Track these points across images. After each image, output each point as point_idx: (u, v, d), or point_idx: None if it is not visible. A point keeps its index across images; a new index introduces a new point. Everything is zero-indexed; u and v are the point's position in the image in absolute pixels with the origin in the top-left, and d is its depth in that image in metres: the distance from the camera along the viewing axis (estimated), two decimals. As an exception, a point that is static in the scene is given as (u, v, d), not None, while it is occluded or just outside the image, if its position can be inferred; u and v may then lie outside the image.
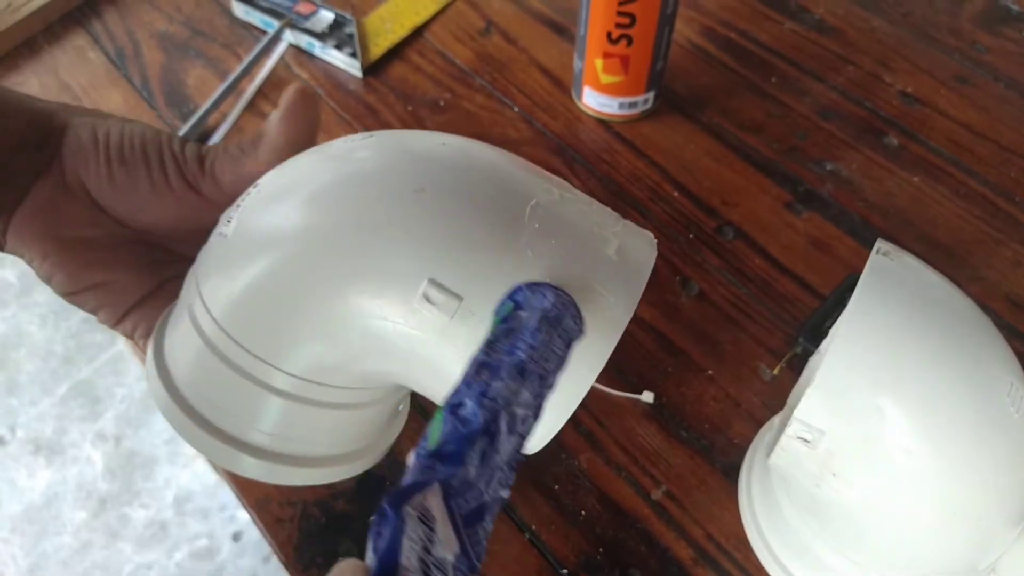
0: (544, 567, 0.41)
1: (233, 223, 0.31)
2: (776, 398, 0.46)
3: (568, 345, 0.27)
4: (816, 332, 0.47)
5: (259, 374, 0.31)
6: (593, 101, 0.59)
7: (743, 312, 0.50)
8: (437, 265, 0.28)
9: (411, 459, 0.22)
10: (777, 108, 0.60)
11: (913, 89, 0.61)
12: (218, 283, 0.31)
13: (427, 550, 0.19)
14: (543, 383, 0.25)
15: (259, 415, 0.32)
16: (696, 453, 0.45)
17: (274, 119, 0.34)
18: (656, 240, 0.33)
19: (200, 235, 0.33)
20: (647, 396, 0.46)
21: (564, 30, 0.66)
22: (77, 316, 1.54)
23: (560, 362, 0.26)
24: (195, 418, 0.32)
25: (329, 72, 0.63)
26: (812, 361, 0.40)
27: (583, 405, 0.46)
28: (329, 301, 0.29)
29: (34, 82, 0.63)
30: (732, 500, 0.43)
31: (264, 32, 0.65)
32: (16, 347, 1.52)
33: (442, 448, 0.22)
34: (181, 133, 0.58)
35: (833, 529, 0.35)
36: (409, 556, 0.19)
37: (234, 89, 0.61)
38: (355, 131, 0.59)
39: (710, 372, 0.48)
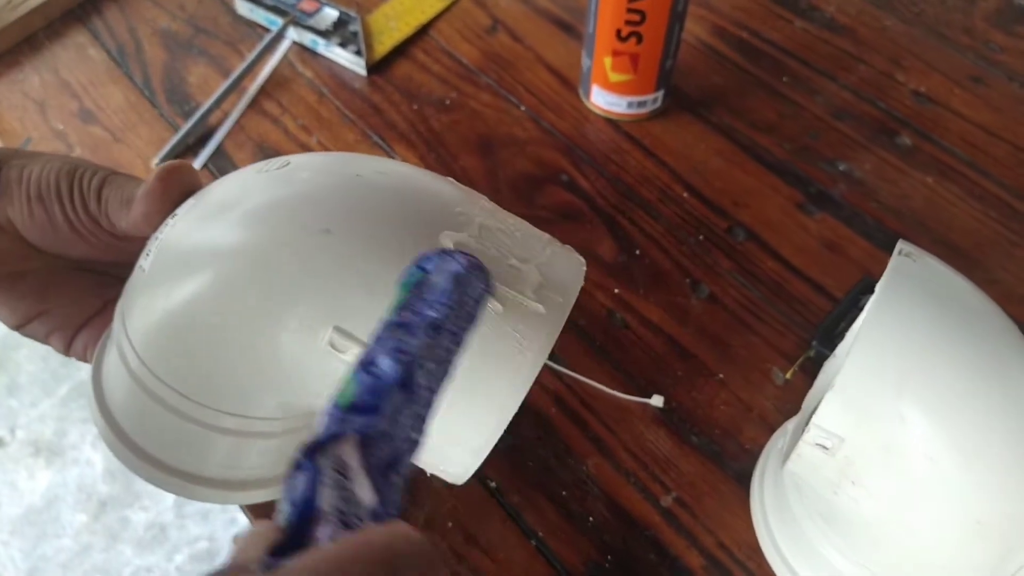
0: (551, 575, 0.40)
1: (150, 257, 0.31)
2: (789, 403, 0.45)
3: (478, 303, 0.27)
4: (830, 335, 0.46)
5: (178, 405, 0.31)
6: (601, 100, 0.58)
7: (754, 315, 0.49)
8: (343, 311, 0.28)
9: (321, 417, 0.22)
10: (789, 108, 0.59)
11: (926, 89, 0.60)
12: (139, 318, 0.31)
13: (343, 499, 0.20)
14: (455, 340, 0.25)
15: (185, 442, 0.32)
16: (707, 459, 0.44)
17: (140, 191, 0.34)
18: (584, 264, 0.33)
19: (133, 262, 0.34)
20: (657, 400, 0.45)
21: (571, 28, 0.65)
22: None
23: (471, 320, 0.26)
24: (135, 451, 0.32)
25: (333, 70, 0.62)
26: (828, 365, 0.39)
27: (591, 410, 0.45)
28: (243, 340, 0.29)
29: (35, 79, 0.62)
30: (744, 507, 0.42)
31: (268, 30, 0.65)
32: (16, 348, 1.51)
33: (357, 401, 0.22)
34: (183, 131, 0.57)
35: (850, 538, 0.34)
36: (326, 503, 0.19)
37: (237, 87, 0.60)
38: (360, 130, 0.58)
39: (721, 376, 0.47)
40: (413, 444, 0.23)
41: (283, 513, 0.19)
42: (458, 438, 0.30)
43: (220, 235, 0.29)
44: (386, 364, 0.23)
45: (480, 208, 0.31)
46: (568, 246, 0.33)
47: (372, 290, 0.28)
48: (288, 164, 0.31)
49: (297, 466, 0.19)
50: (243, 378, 0.30)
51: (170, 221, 0.32)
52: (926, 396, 0.28)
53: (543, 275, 0.30)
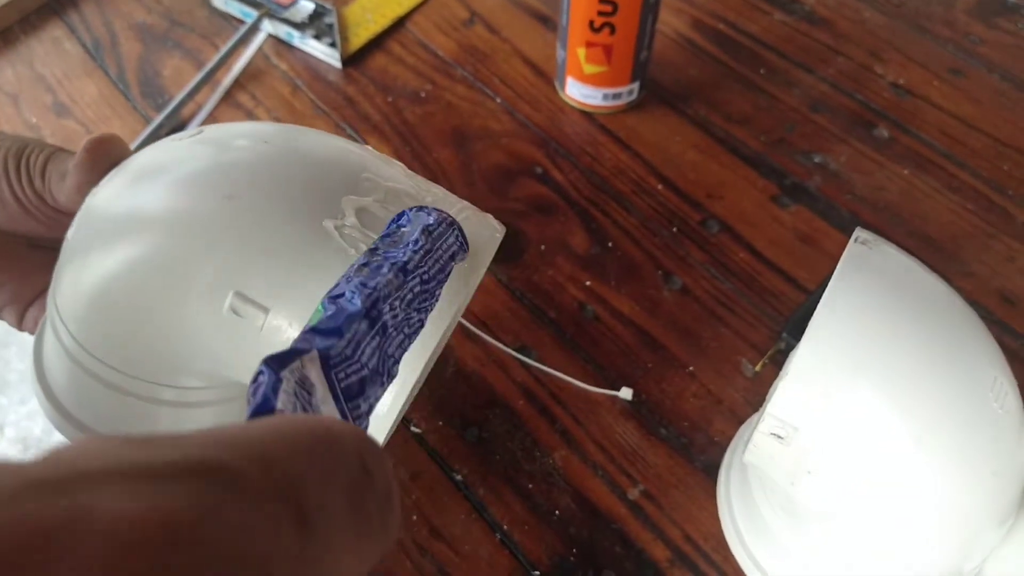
0: (516, 569, 0.40)
1: (73, 227, 0.31)
2: (759, 395, 0.45)
3: (451, 259, 0.27)
4: (800, 327, 0.45)
5: (109, 377, 0.31)
6: (576, 92, 0.58)
7: (726, 307, 0.49)
8: (242, 276, 0.28)
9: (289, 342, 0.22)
10: (765, 100, 0.59)
11: (905, 81, 0.60)
12: (66, 290, 0.31)
13: (304, 409, 0.19)
14: (425, 289, 0.26)
15: (122, 415, 0.31)
16: (675, 451, 0.43)
17: (72, 162, 0.34)
18: (501, 227, 0.32)
19: None
20: (625, 393, 0.45)
21: (548, 20, 0.65)
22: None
23: (442, 275, 0.26)
24: (81, 429, 0.32)
25: (308, 63, 0.62)
26: (793, 355, 0.39)
27: (560, 402, 0.44)
28: (158, 310, 0.29)
29: (8, 72, 0.62)
30: (711, 500, 0.42)
31: (242, 22, 0.64)
32: (6, 345, 1.51)
33: (320, 324, 0.22)
34: (154, 124, 0.57)
35: (810, 529, 0.34)
36: (286, 406, 0.19)
37: (210, 80, 0.60)
38: (332, 123, 0.58)
39: (691, 368, 0.46)
40: (380, 377, 0.23)
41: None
42: None
43: (132, 204, 0.29)
44: (350, 294, 0.23)
45: (393, 175, 0.31)
46: (488, 214, 0.32)
47: (274, 254, 0.28)
48: (200, 132, 0.32)
49: (259, 373, 0.19)
50: (166, 349, 0.29)
51: (89, 196, 0.32)
52: (882, 383, 0.28)
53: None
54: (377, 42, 0.63)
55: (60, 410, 0.32)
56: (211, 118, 0.58)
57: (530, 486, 0.42)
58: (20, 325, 0.38)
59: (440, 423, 0.44)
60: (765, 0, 0.65)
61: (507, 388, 0.46)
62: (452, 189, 0.54)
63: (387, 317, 0.24)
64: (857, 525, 0.31)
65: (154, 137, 0.57)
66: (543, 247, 0.51)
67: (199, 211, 0.28)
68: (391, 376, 0.24)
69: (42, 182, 0.34)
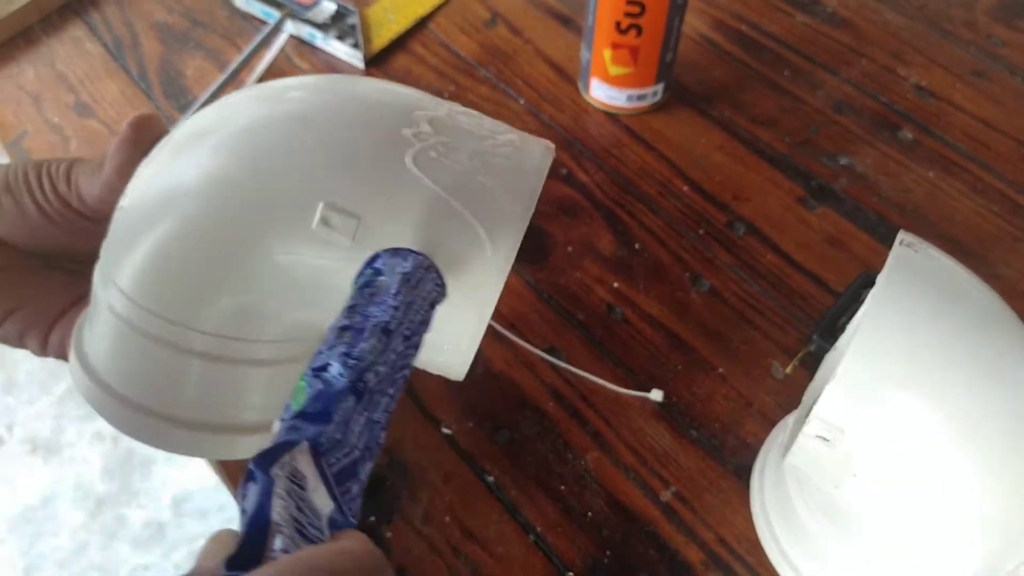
0: (550, 570, 0.40)
1: (128, 195, 0.31)
2: (789, 397, 0.45)
3: (431, 306, 0.27)
4: (831, 330, 0.45)
5: (177, 339, 0.30)
6: (601, 93, 0.58)
7: (755, 309, 0.48)
8: (329, 190, 0.28)
9: (276, 426, 0.22)
10: (789, 102, 0.59)
11: (928, 83, 0.60)
12: (123, 256, 0.30)
13: (299, 508, 0.19)
14: (408, 343, 0.25)
15: (183, 383, 0.31)
16: (707, 454, 0.43)
17: (113, 145, 0.34)
18: (553, 146, 0.33)
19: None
20: (656, 395, 0.45)
21: (571, 21, 0.65)
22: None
23: (424, 323, 0.26)
24: (123, 402, 0.31)
25: (331, 63, 0.62)
26: (828, 358, 0.39)
27: (590, 404, 0.44)
28: (233, 248, 0.29)
29: (30, 73, 0.62)
30: (744, 502, 0.42)
31: (265, 23, 0.64)
32: (15, 345, 1.51)
33: (307, 408, 0.22)
34: (178, 124, 0.57)
35: (851, 532, 0.34)
36: (281, 514, 0.19)
37: (233, 80, 0.60)
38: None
39: (721, 370, 0.46)
40: (369, 452, 0.23)
41: (240, 525, 0.19)
42: (442, 344, 0.30)
43: (198, 156, 0.29)
44: (336, 370, 0.23)
45: (446, 104, 0.32)
46: (536, 137, 0.33)
47: (357, 163, 0.28)
48: (249, 90, 0.32)
49: (249, 476, 0.19)
50: (241, 293, 0.29)
51: (142, 165, 0.31)
52: (929, 386, 0.28)
53: (513, 152, 0.31)
54: (399, 43, 0.63)
55: (104, 387, 0.31)
56: (235, 118, 0.58)
57: (562, 488, 0.42)
58: (45, 350, 0.36)
59: (471, 425, 0.44)
60: (787, 2, 0.65)
61: (537, 390, 0.46)
62: (478, 190, 0.54)
63: (372, 385, 0.23)
64: (900, 527, 0.31)
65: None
66: (570, 248, 0.51)
67: (272, 137, 0.28)
68: (379, 445, 0.23)
69: (67, 186, 0.33)
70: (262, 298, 0.29)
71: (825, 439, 0.30)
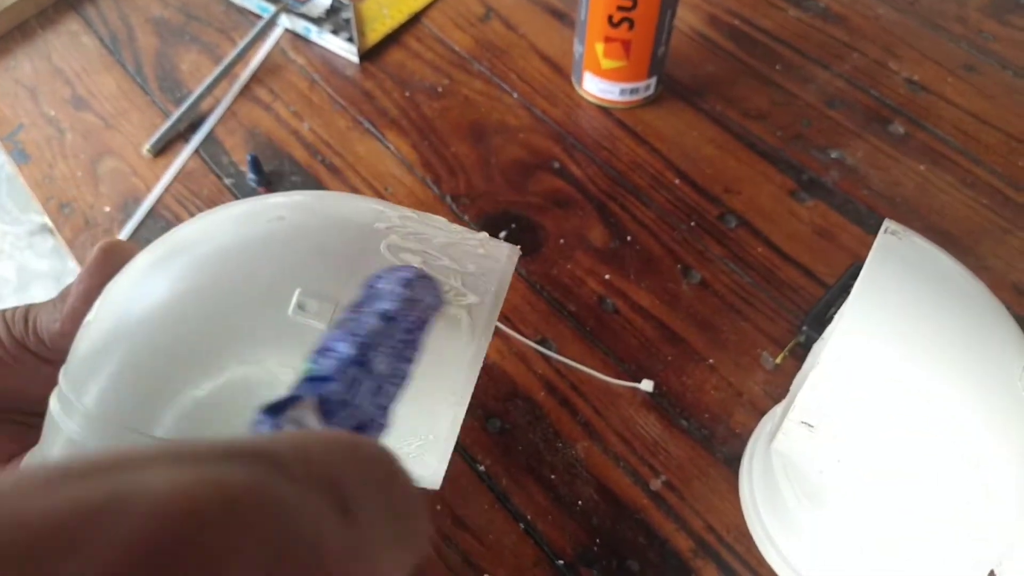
0: (540, 558, 0.40)
1: (95, 311, 0.30)
2: (779, 387, 0.45)
3: (430, 309, 0.27)
4: (820, 320, 0.46)
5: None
6: (594, 87, 0.58)
7: (745, 301, 0.49)
8: (304, 279, 0.28)
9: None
10: (781, 96, 0.59)
11: (919, 77, 0.60)
12: (90, 372, 0.29)
13: None
14: (408, 335, 0.25)
15: None
16: (696, 443, 0.44)
17: (78, 276, 0.33)
18: (518, 251, 0.33)
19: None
20: (646, 385, 0.45)
21: (564, 16, 0.65)
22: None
23: (423, 325, 0.26)
24: None
25: (325, 58, 0.62)
26: (816, 348, 0.39)
27: (581, 394, 0.45)
28: (207, 357, 0.28)
29: (27, 66, 0.62)
30: (733, 491, 0.42)
31: (260, 17, 0.64)
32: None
33: (313, 372, 0.22)
34: (174, 117, 0.57)
35: (837, 519, 0.34)
36: None
37: (228, 74, 0.60)
38: (351, 117, 0.58)
39: (711, 361, 0.46)
40: (373, 425, 0.23)
41: None
42: (416, 441, 0.30)
43: (169, 259, 0.29)
44: (339, 344, 0.23)
45: (410, 212, 0.32)
46: (501, 241, 0.33)
47: (332, 254, 0.28)
48: (217, 211, 0.32)
49: (256, 423, 0.19)
50: (212, 404, 0.29)
51: (116, 278, 0.31)
52: (913, 371, 0.28)
53: (474, 264, 0.31)
54: (394, 37, 0.63)
55: None
56: (230, 112, 0.59)
57: (552, 477, 0.43)
58: None
59: (462, 414, 0.45)
60: (779, -3, 0.66)
61: (528, 380, 0.46)
62: (470, 183, 0.54)
63: (376, 362, 0.23)
64: (885, 513, 0.31)
65: (175, 130, 0.57)
66: (562, 241, 0.52)
67: (250, 234, 0.28)
68: (381, 427, 0.24)
69: (24, 327, 0.33)
70: (232, 398, 0.29)
71: (810, 425, 0.30)
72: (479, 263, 0.31)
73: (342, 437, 0.16)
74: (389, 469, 0.16)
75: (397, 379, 0.25)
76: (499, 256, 0.32)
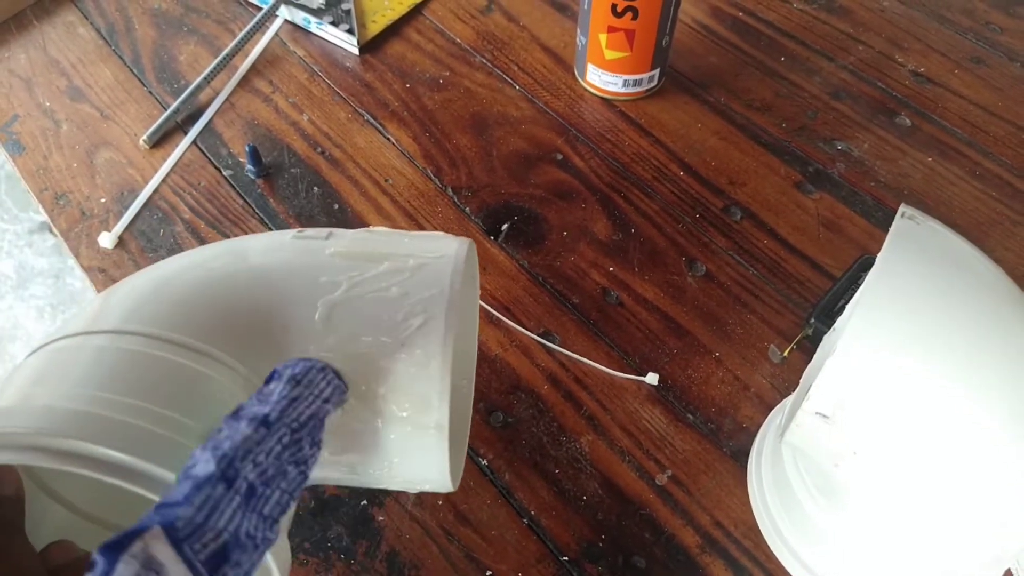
0: (544, 554, 0.40)
1: None
2: (786, 381, 0.45)
3: (325, 402, 0.26)
4: (829, 313, 0.45)
5: None
6: (597, 79, 0.57)
7: (751, 293, 0.48)
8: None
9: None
10: (786, 88, 0.58)
11: (926, 69, 0.59)
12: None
13: None
14: (296, 439, 0.24)
15: None
16: (703, 437, 0.43)
17: None
18: (468, 240, 0.32)
19: None
20: (651, 378, 0.44)
21: (566, 8, 0.64)
22: (74, 309, 1.52)
23: (315, 420, 0.25)
24: None
25: (325, 49, 0.61)
26: (827, 339, 0.38)
27: (585, 388, 0.44)
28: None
29: (22, 57, 0.61)
30: (741, 485, 0.41)
31: (259, 8, 0.64)
32: (12, 340, 1.50)
33: (166, 498, 0.21)
34: (172, 108, 0.56)
35: (851, 513, 0.34)
36: None
37: (227, 65, 0.59)
38: (351, 108, 0.57)
39: (717, 354, 0.46)
40: (251, 540, 0.22)
41: None
42: (422, 477, 0.30)
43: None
44: (203, 458, 0.22)
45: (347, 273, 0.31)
46: (460, 237, 0.33)
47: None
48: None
49: (92, 565, 0.18)
50: None
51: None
52: (931, 359, 0.28)
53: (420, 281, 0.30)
54: (394, 29, 0.63)
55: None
56: (228, 104, 0.58)
57: (556, 471, 0.42)
58: None
59: (465, 408, 0.44)
60: (784, -12, 0.65)
61: (531, 373, 0.45)
62: (472, 175, 0.53)
63: (251, 475, 0.22)
64: (902, 506, 0.30)
65: (172, 122, 0.56)
66: (565, 233, 0.51)
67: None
68: (267, 539, 0.22)
69: None
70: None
71: (824, 416, 0.29)
72: (423, 277, 0.30)
73: None
74: None
75: (287, 485, 0.24)
76: (440, 261, 0.31)
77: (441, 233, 0.34)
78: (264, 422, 0.24)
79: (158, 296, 0.29)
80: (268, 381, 0.26)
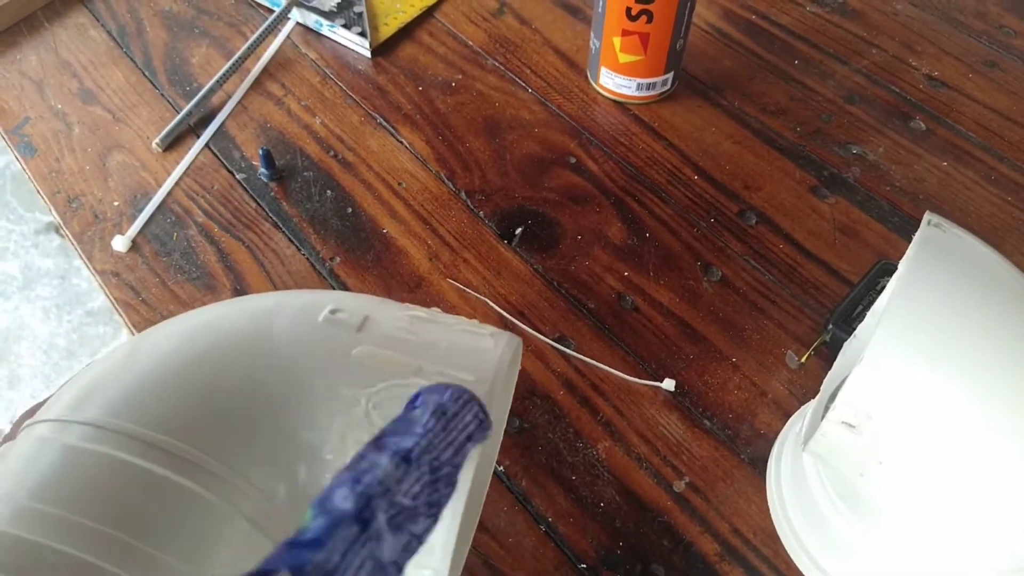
0: (562, 562, 0.39)
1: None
2: (804, 387, 0.44)
3: (468, 439, 0.24)
4: (847, 319, 0.45)
5: None
6: (610, 82, 0.57)
7: (767, 299, 0.48)
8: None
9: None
10: (800, 91, 0.58)
11: (940, 73, 0.59)
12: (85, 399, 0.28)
13: None
14: (436, 475, 0.22)
15: None
16: (720, 443, 0.43)
17: None
18: (517, 338, 0.31)
19: None
20: (668, 384, 0.44)
21: (579, 11, 0.64)
22: (80, 309, 1.52)
23: (459, 455, 0.23)
24: None
25: (337, 52, 0.61)
26: (848, 346, 0.38)
27: (601, 393, 0.44)
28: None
29: (33, 59, 0.61)
30: (759, 493, 0.41)
31: (271, 11, 0.63)
32: (18, 340, 1.50)
33: (300, 535, 0.19)
34: (185, 111, 0.56)
35: (875, 522, 0.33)
36: None
37: (239, 68, 0.59)
38: (364, 112, 0.57)
39: (734, 360, 0.45)
40: None
41: None
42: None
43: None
44: (341, 494, 0.20)
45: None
46: (508, 333, 0.31)
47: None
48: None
49: None
50: None
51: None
52: (959, 369, 0.27)
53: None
54: (406, 32, 0.62)
55: None
56: (240, 107, 0.58)
57: (573, 478, 0.42)
58: None
59: (481, 414, 0.44)
60: (797, -8, 0.65)
61: (547, 379, 0.45)
62: (485, 178, 0.53)
63: (385, 515, 0.21)
64: (928, 516, 0.30)
65: (185, 124, 0.56)
66: (579, 237, 0.51)
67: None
68: None
69: None
70: None
71: (851, 425, 0.29)
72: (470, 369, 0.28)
73: None
74: None
75: (417, 528, 0.22)
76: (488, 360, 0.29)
77: (489, 329, 0.31)
78: (405, 457, 0.22)
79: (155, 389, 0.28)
80: (411, 406, 0.24)
